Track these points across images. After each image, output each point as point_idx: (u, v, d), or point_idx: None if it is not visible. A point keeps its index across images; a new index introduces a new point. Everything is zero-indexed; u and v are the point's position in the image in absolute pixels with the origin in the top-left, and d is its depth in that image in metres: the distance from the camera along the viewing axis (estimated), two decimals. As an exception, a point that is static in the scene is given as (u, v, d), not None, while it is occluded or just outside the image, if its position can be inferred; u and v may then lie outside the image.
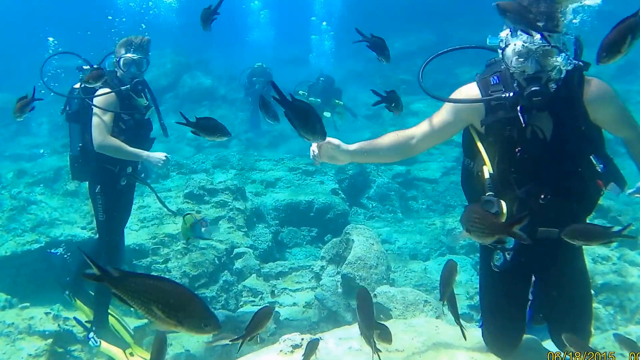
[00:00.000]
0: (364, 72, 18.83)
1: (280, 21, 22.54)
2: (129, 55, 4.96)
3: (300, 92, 11.04)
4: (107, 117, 4.88)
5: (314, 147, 3.35)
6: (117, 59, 5.00)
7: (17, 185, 9.79)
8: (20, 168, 10.81)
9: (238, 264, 7.16)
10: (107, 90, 4.91)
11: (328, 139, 3.13)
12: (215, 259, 7.01)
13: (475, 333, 3.62)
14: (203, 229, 4.82)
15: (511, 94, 2.92)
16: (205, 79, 17.22)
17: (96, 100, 4.87)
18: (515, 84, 2.94)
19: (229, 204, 8.20)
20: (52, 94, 5.11)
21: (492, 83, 3.03)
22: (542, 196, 2.98)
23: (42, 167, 10.54)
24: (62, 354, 5.75)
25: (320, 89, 10.94)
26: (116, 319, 5.67)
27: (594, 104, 2.96)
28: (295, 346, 3.66)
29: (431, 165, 11.59)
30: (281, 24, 22.42)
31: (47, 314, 6.03)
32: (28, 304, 6.38)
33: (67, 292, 5.73)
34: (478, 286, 3.55)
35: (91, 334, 5.38)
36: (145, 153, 4.97)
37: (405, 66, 16.93)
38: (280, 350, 3.66)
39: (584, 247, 3.19)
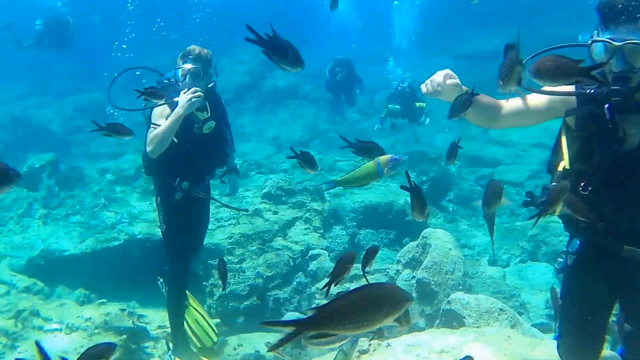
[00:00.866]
0: (453, 70, 18.45)
1: (362, 17, 22.36)
2: (186, 65, 4.80)
3: (390, 106, 10.76)
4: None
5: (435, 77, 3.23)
6: (175, 70, 4.87)
7: (99, 183, 10.15)
8: (103, 166, 11.12)
9: (313, 265, 7.14)
10: (162, 102, 4.85)
11: (448, 71, 3.14)
12: (290, 260, 7.02)
13: (550, 346, 3.40)
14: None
15: (591, 91, 2.77)
16: (288, 77, 17.16)
17: (153, 113, 4.89)
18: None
19: (307, 204, 8.20)
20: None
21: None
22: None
23: (123, 165, 10.88)
24: (135, 350, 5.88)
25: (400, 96, 10.66)
26: (202, 316, 5.74)
27: None
28: (362, 351, 3.58)
29: (518, 168, 11.20)
30: (362, 20, 22.23)
31: (122, 310, 6.20)
32: (105, 300, 6.59)
33: (160, 280, 5.79)
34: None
35: (169, 353, 5.49)
36: (175, 113, 4.65)
37: (493, 65, 16.42)
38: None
39: None
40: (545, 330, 5.72)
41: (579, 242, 2.96)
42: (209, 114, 4.90)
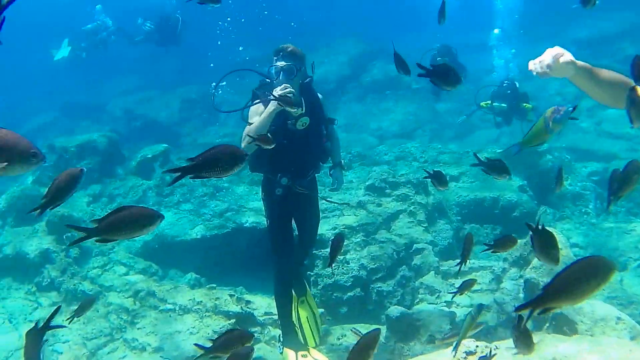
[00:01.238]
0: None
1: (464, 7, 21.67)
2: (279, 63, 4.88)
3: (482, 103, 10.41)
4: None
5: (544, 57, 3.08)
6: (269, 68, 4.95)
7: (208, 173, 10.44)
8: None
9: (417, 259, 7.10)
10: (257, 101, 5.00)
11: (558, 49, 3.00)
12: (394, 253, 7.00)
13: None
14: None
15: None
16: (389, 67, 16.91)
17: (250, 111, 5.03)
18: None
19: (411, 197, 8.14)
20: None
21: None
22: None
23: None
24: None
25: (504, 94, 10.23)
26: (314, 316, 5.85)
27: None
28: (469, 353, 3.54)
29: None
30: (464, 10, 21.54)
31: (231, 296, 6.45)
32: (215, 285, 6.86)
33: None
34: None
35: (279, 343, 5.65)
36: (269, 108, 4.79)
37: (605, 51, 15.57)
38: (454, 356, 3.55)
39: None
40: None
41: None
42: (304, 110, 4.95)
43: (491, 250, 3.24)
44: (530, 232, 2.75)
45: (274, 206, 5.34)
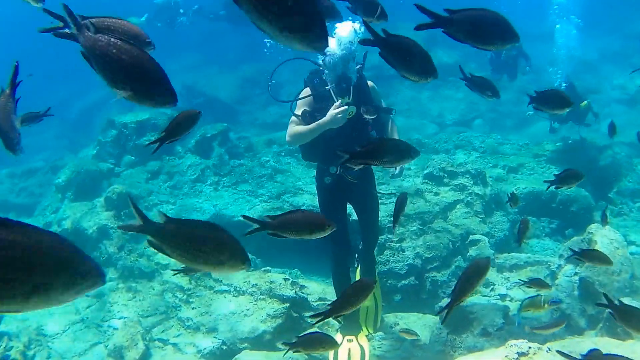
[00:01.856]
0: (621, 51, 17.06)
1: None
2: (334, 50, 4.86)
3: (583, 104, 10.08)
4: (296, 119, 5.10)
5: None
6: (325, 57, 4.92)
7: (266, 154, 10.61)
8: (270, 137, 11.58)
9: (472, 251, 7.22)
10: (307, 92, 5.10)
11: None
12: (450, 243, 7.13)
13: None
14: None
15: None
16: (451, 54, 16.55)
17: (298, 102, 5.15)
18: None
19: (468, 188, 8.21)
20: None
21: None
22: None
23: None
24: (296, 319, 6.27)
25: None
26: (376, 306, 5.98)
27: None
28: (521, 354, 3.69)
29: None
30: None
31: (285, 280, 6.62)
32: (270, 268, 7.05)
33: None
34: None
35: (339, 327, 5.83)
36: (321, 121, 4.87)
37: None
38: (506, 356, 3.71)
39: None
40: None
41: None
42: (350, 99, 4.97)
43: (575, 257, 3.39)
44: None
45: (324, 194, 5.48)
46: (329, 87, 5.02)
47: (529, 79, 12.21)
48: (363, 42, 2.60)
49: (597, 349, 2.76)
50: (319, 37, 1.70)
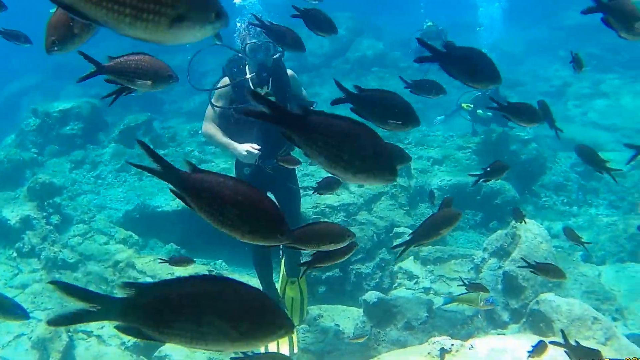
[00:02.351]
0: (547, 43, 17.33)
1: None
2: (254, 40, 4.73)
3: (464, 105, 10.02)
4: (212, 111, 5.00)
5: None
6: (244, 45, 4.79)
7: (191, 144, 10.39)
8: (195, 126, 11.20)
9: (397, 243, 7.05)
10: (226, 81, 4.93)
11: None
12: (374, 235, 6.95)
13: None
14: None
15: None
16: (377, 44, 16.47)
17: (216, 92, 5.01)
18: None
19: (393, 180, 8.05)
20: None
21: None
22: None
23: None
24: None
25: (487, 100, 9.31)
26: (301, 296, 5.78)
27: None
28: (444, 350, 3.49)
29: (620, 156, 10.55)
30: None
31: (209, 271, 6.42)
32: (194, 260, 6.77)
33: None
34: None
35: None
36: (232, 145, 4.84)
37: (596, 38, 15.41)
38: (428, 353, 3.51)
39: None
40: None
41: None
42: (269, 89, 4.83)
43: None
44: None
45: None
46: (248, 76, 4.82)
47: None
48: (334, 102, 2.34)
49: (542, 341, 2.64)
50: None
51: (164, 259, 5.00)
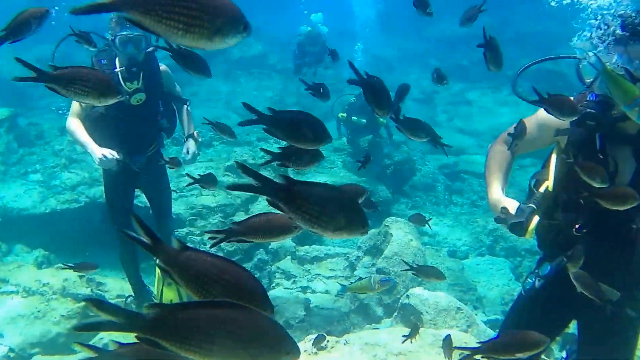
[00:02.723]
0: (418, 52, 18.20)
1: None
2: (125, 33, 4.48)
3: (340, 114, 10.00)
4: (78, 105, 4.77)
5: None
6: (114, 37, 4.52)
7: (60, 142, 9.84)
8: (65, 123, 10.78)
9: (274, 243, 7.13)
10: None
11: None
12: (252, 236, 6.98)
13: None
14: None
15: (588, 110, 2.55)
16: (256, 45, 16.57)
17: None
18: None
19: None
20: None
21: (589, 99, 2.61)
22: (577, 226, 2.63)
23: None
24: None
25: (363, 106, 9.25)
26: (179, 297, 5.68)
27: None
28: (320, 348, 3.60)
29: (481, 159, 11.30)
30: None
31: (81, 277, 6.17)
32: (62, 265, 6.50)
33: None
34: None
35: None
36: (90, 147, 4.60)
37: (464, 50, 16.38)
38: (304, 351, 3.60)
39: None
40: (498, 327, 5.84)
41: (549, 267, 2.78)
42: (140, 85, 4.65)
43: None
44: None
45: (109, 180, 5.14)
46: (117, 69, 4.59)
47: (331, 74, 12.42)
48: (242, 123, 2.34)
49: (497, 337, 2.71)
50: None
51: (68, 265, 4.75)
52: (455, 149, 11.63)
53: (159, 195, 5.39)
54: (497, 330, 5.15)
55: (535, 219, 2.65)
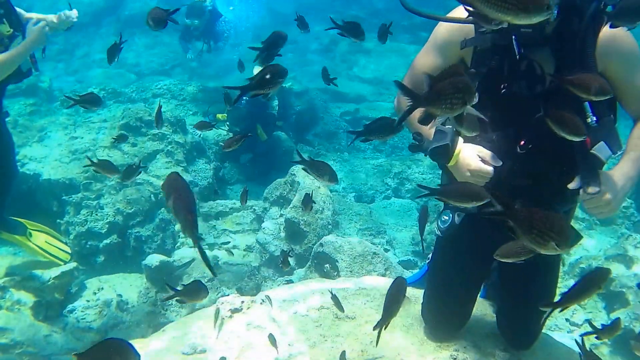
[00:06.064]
0: (316, 5, 17.83)
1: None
2: None
3: (219, 115, 8.84)
4: None
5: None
6: None
7: None
8: None
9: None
10: None
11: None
12: (152, 195, 6.61)
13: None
14: None
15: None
16: (150, 3, 15.74)
17: None
18: None
19: (168, 136, 7.64)
20: None
21: None
22: (522, 143, 2.46)
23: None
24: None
25: (248, 113, 8.38)
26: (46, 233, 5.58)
27: (606, 56, 2.36)
28: (235, 310, 3.37)
29: (381, 105, 11.33)
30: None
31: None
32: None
33: None
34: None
35: None
36: (21, 45, 4.20)
37: (359, 3, 16.25)
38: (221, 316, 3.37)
39: None
40: (410, 267, 5.89)
41: None
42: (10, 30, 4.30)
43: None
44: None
45: None
46: None
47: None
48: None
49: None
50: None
51: None
52: (355, 96, 11.72)
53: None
54: (412, 271, 5.20)
55: (460, 140, 2.50)
